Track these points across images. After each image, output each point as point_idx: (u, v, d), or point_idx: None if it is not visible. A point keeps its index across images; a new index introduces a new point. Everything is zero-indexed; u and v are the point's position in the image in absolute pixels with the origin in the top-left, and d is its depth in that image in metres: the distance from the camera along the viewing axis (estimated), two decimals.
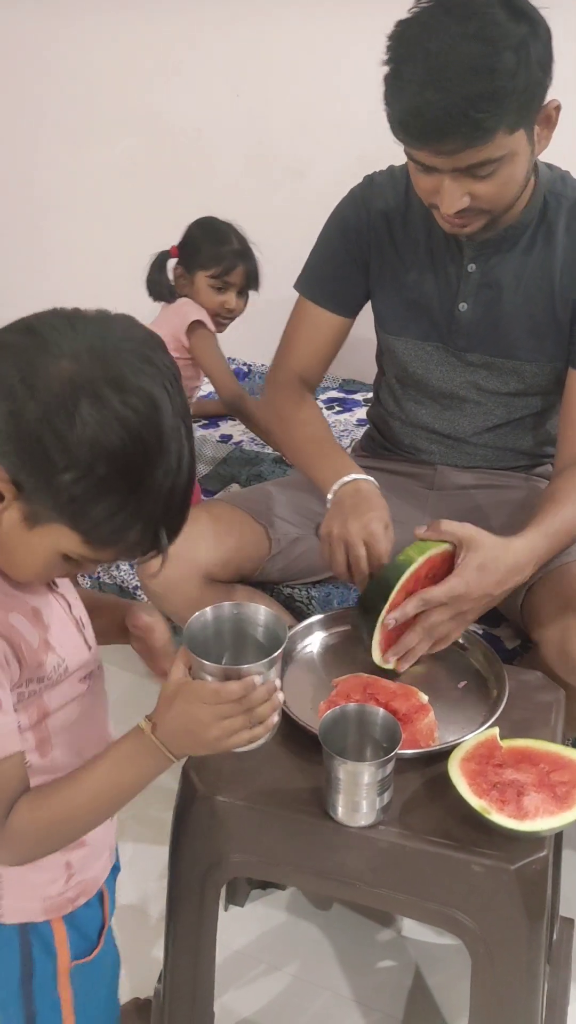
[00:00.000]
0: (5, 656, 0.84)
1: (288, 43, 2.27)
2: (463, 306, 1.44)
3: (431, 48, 1.13)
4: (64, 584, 0.96)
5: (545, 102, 1.22)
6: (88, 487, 0.75)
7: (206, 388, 2.31)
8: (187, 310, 2.10)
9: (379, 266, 1.50)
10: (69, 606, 0.95)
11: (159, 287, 2.16)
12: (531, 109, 1.19)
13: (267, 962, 1.50)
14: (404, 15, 1.19)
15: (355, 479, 1.38)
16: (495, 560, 1.24)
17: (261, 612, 0.95)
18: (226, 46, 2.39)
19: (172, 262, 2.17)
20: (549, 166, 1.41)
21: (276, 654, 0.88)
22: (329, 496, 1.39)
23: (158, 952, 1.29)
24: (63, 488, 0.75)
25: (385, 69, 1.19)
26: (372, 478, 1.39)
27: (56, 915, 0.98)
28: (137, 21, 2.47)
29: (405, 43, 1.17)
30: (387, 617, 1.21)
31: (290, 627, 1.33)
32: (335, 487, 1.38)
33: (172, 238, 2.67)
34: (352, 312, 1.57)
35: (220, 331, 2.18)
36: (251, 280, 2.10)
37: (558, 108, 1.24)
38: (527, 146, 1.24)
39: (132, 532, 0.79)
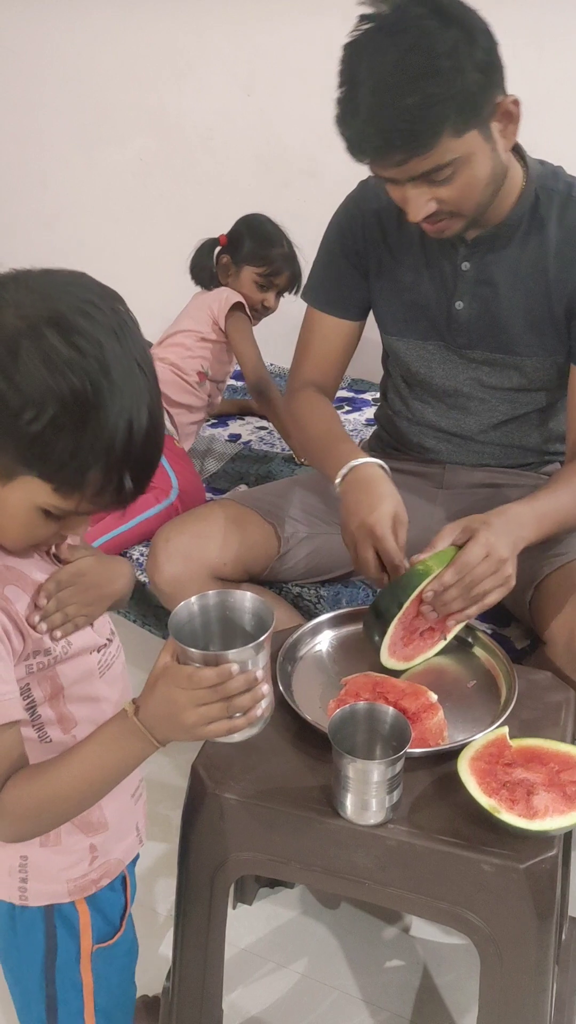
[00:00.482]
0: (4, 628, 0.85)
1: (299, 43, 2.27)
2: (459, 304, 1.44)
3: (367, 69, 1.17)
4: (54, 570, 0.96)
5: (499, 99, 1.23)
6: (42, 428, 0.76)
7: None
8: (228, 295, 2.16)
9: (376, 269, 1.50)
10: None
11: (202, 272, 2.24)
12: (477, 110, 1.20)
13: (275, 960, 1.50)
14: None
15: (357, 465, 1.37)
16: (493, 518, 1.25)
17: (247, 599, 0.93)
18: (237, 46, 2.39)
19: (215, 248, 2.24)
20: (541, 162, 1.41)
21: (259, 640, 0.85)
22: (336, 490, 1.39)
23: (167, 950, 1.30)
24: (20, 432, 0.77)
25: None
26: (376, 460, 1.38)
27: (80, 896, 0.99)
28: (148, 22, 2.47)
29: (347, 66, 1.20)
30: (426, 591, 1.21)
31: (299, 626, 1.33)
32: (338, 479, 1.38)
33: (183, 238, 2.68)
34: (359, 315, 1.57)
35: (254, 323, 2.22)
36: (294, 284, 2.18)
37: (516, 103, 1.25)
38: (485, 145, 1.24)
39: (93, 474, 0.79)
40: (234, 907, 1.57)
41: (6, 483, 0.81)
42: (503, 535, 1.23)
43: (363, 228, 1.49)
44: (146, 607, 1.88)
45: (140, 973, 1.14)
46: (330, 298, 1.57)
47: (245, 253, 2.16)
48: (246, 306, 2.15)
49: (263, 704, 0.87)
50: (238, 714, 0.85)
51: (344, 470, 1.38)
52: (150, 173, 2.65)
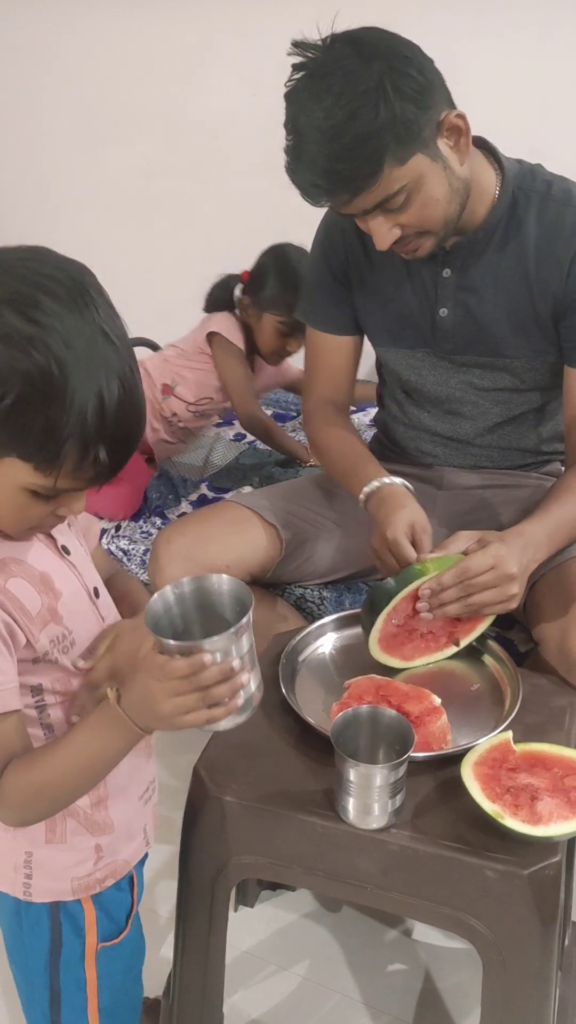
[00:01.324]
0: (5, 624, 0.85)
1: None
2: (443, 311, 1.44)
3: (304, 117, 1.19)
4: (77, 553, 0.96)
5: (440, 117, 1.24)
6: (11, 406, 0.76)
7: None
8: (218, 321, 2.13)
9: (359, 281, 1.51)
10: (80, 575, 0.96)
11: (216, 304, 2.19)
12: (415, 135, 1.21)
13: (277, 963, 1.50)
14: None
15: (377, 487, 1.39)
16: (510, 537, 1.25)
17: (224, 582, 0.90)
18: (242, 46, 2.39)
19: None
20: (519, 161, 1.40)
21: (234, 629, 0.82)
22: (361, 508, 1.41)
23: (168, 952, 1.29)
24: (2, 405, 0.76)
25: None
26: (395, 479, 1.40)
27: (85, 895, 1.00)
28: (154, 22, 2.47)
29: (288, 116, 1.23)
30: (423, 588, 1.22)
31: (302, 628, 1.33)
32: (361, 502, 1.41)
33: (188, 237, 2.68)
34: (356, 330, 1.57)
35: (274, 364, 2.21)
36: None
37: (461, 116, 1.26)
38: (434, 164, 1.25)
39: (69, 449, 0.78)
40: (235, 909, 1.56)
41: None
42: (516, 554, 1.23)
43: (344, 244, 1.49)
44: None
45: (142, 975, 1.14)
46: (326, 317, 1.57)
47: (268, 297, 2.08)
48: (231, 336, 2.10)
49: (243, 694, 0.85)
50: (219, 703, 0.84)
51: (367, 489, 1.40)
52: (155, 173, 2.65)
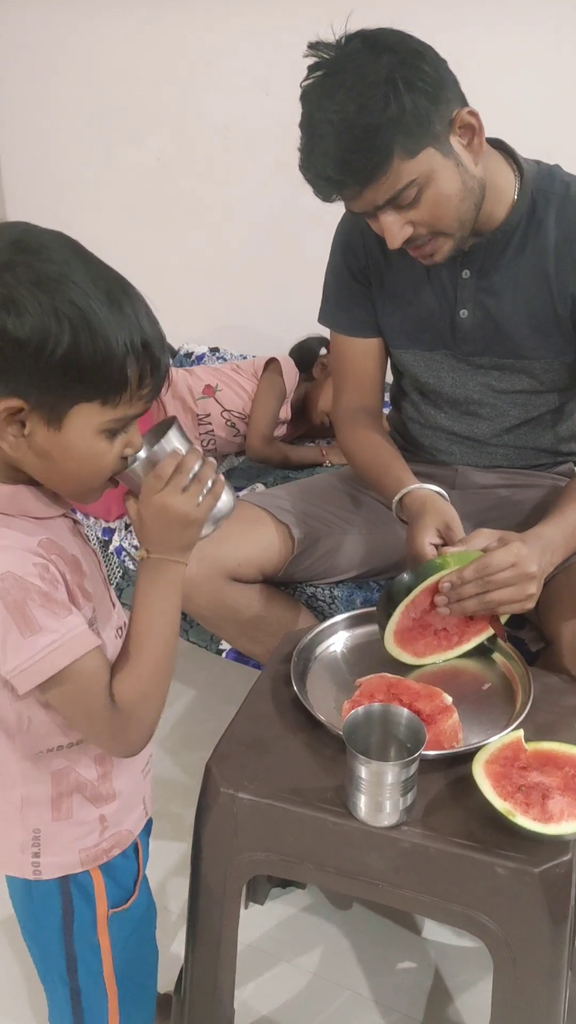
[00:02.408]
0: (56, 578, 0.88)
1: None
2: (463, 312, 1.44)
3: (317, 113, 1.21)
4: (89, 553, 0.99)
5: (453, 114, 1.24)
6: (67, 352, 0.80)
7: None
8: (280, 357, 2.23)
9: (379, 283, 1.51)
10: (98, 560, 1.01)
11: (302, 355, 2.30)
12: (426, 129, 1.21)
13: (287, 960, 1.51)
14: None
15: (406, 494, 1.40)
16: (530, 538, 1.26)
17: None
18: (255, 46, 2.39)
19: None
20: (537, 162, 1.40)
21: (168, 436, 0.93)
22: (396, 514, 1.42)
23: (178, 948, 1.30)
24: (50, 365, 0.80)
25: None
26: (427, 486, 1.40)
27: (93, 865, 1.02)
28: (166, 21, 2.47)
29: (303, 116, 1.24)
30: (443, 582, 1.23)
31: (313, 627, 1.33)
32: (394, 506, 1.42)
33: (200, 237, 2.68)
34: (379, 332, 1.57)
35: (318, 423, 2.28)
36: None
37: (473, 113, 1.26)
38: (445, 161, 1.25)
39: (130, 369, 0.83)
40: (246, 907, 1.57)
41: (60, 426, 0.84)
42: (536, 555, 1.23)
43: (363, 246, 1.49)
44: None
45: None
46: (350, 320, 1.57)
47: None
48: (289, 375, 2.21)
49: (216, 478, 0.95)
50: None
51: (397, 499, 1.41)
52: (168, 172, 2.65)
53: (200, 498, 0.92)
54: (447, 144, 1.25)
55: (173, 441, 0.93)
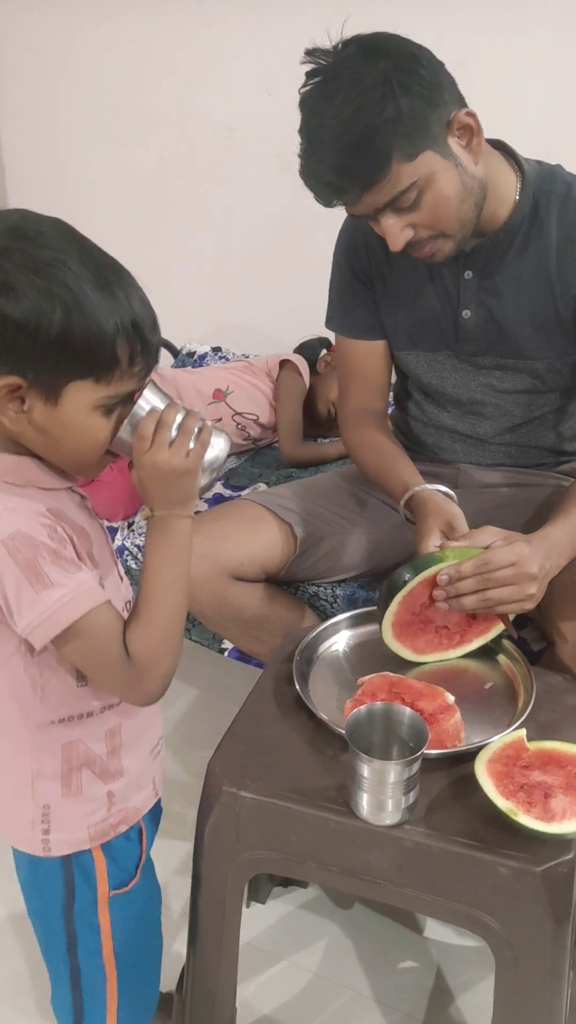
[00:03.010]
0: (62, 537, 0.90)
1: (319, 41, 2.27)
2: (466, 313, 1.44)
3: (315, 119, 1.22)
4: (97, 526, 1.01)
5: (451, 116, 1.24)
6: (60, 333, 0.83)
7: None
8: (293, 356, 2.24)
9: (382, 284, 1.51)
10: (107, 538, 1.03)
11: (304, 355, 2.30)
12: (424, 132, 1.22)
13: (289, 959, 1.51)
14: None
15: (411, 496, 1.40)
16: (535, 539, 1.26)
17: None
18: (258, 46, 2.39)
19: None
20: (539, 162, 1.40)
21: (144, 395, 0.94)
22: (403, 515, 1.43)
23: (180, 947, 1.30)
24: (45, 344, 0.83)
25: None
26: (431, 487, 1.40)
27: (100, 841, 1.04)
28: (170, 21, 2.48)
29: (302, 123, 1.25)
30: (441, 574, 1.23)
31: (316, 626, 1.33)
32: (402, 513, 1.42)
33: (204, 236, 2.68)
34: (384, 333, 1.57)
35: (321, 416, 2.28)
36: None
37: (471, 114, 1.26)
38: (445, 163, 1.25)
39: (121, 347, 0.86)
40: (248, 906, 1.57)
41: (57, 402, 0.87)
42: (539, 557, 1.23)
43: (366, 248, 1.49)
44: None
45: None
46: (354, 322, 1.57)
47: None
48: (303, 373, 2.21)
49: (202, 425, 0.96)
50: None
51: (403, 501, 1.41)
52: (171, 172, 2.66)
53: (188, 448, 0.94)
54: (446, 146, 1.25)
55: (150, 399, 0.94)
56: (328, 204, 1.29)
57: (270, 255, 2.57)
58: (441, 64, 1.25)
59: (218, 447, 0.98)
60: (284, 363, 2.24)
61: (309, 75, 1.24)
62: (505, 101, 2.05)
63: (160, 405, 0.95)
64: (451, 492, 1.40)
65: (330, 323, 1.62)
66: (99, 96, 2.68)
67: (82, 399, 0.88)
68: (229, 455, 2.30)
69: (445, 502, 1.36)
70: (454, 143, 1.26)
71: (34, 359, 0.84)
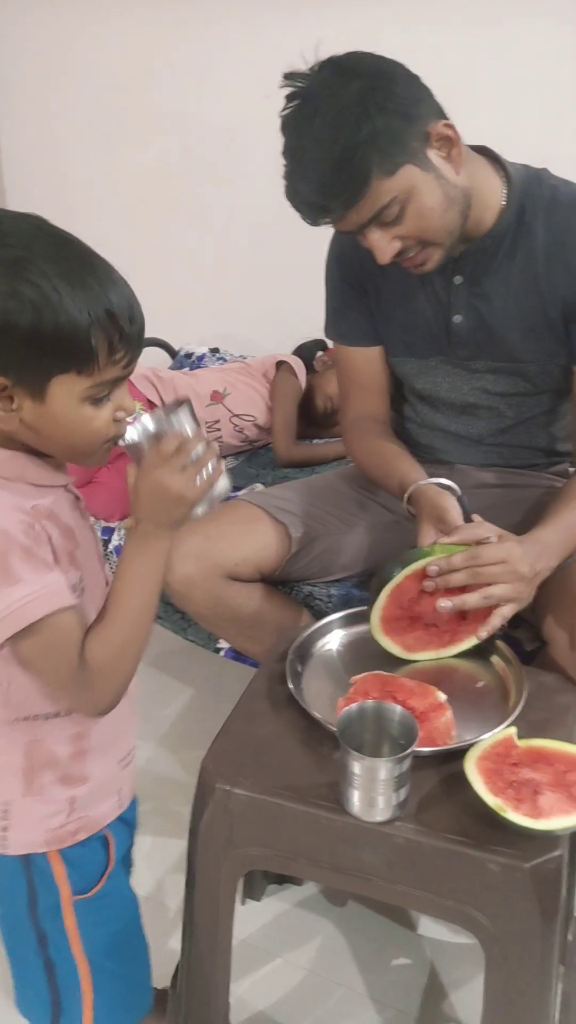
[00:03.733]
0: (39, 535, 0.91)
1: (316, 44, 2.28)
2: (457, 318, 1.45)
3: (296, 141, 1.25)
4: (86, 528, 1.02)
5: (428, 128, 1.26)
6: (31, 330, 0.84)
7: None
8: (290, 357, 2.26)
9: (375, 292, 1.52)
10: (96, 541, 1.04)
11: (302, 353, 2.33)
12: (401, 147, 1.24)
13: (282, 956, 1.52)
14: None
15: (410, 495, 1.41)
16: (528, 541, 1.28)
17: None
18: (256, 49, 2.40)
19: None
20: (525, 167, 1.41)
21: (178, 409, 0.96)
22: (406, 512, 1.44)
23: (175, 944, 1.31)
24: (18, 341, 0.84)
25: None
26: (429, 480, 1.41)
27: (57, 847, 1.04)
28: (168, 24, 2.49)
29: (284, 145, 1.28)
30: (431, 565, 1.24)
31: (309, 625, 1.34)
32: (406, 509, 1.43)
33: (202, 239, 2.69)
34: (379, 340, 1.58)
35: (320, 411, 2.29)
36: None
37: (449, 125, 1.28)
38: (425, 175, 1.27)
39: (98, 338, 0.86)
40: (242, 903, 1.58)
41: (43, 399, 0.88)
42: (530, 558, 1.25)
43: (357, 257, 1.50)
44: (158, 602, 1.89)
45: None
46: (351, 330, 1.58)
47: None
48: (299, 374, 2.23)
49: (216, 464, 0.98)
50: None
51: (405, 501, 1.42)
52: (169, 175, 2.67)
53: (197, 480, 0.95)
54: (425, 158, 1.27)
55: (182, 420, 0.96)
56: (315, 223, 1.32)
57: (269, 256, 2.58)
58: (416, 77, 1.27)
59: (221, 487, 1.00)
60: (280, 364, 2.25)
61: (288, 98, 1.27)
62: (500, 105, 2.06)
63: (189, 430, 0.96)
64: (450, 483, 1.41)
65: (328, 332, 1.64)
66: (98, 97, 2.69)
67: (68, 392, 0.88)
68: (228, 455, 2.32)
69: (439, 495, 1.37)
70: (433, 155, 1.28)
71: (12, 358, 0.85)
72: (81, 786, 1.04)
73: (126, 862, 1.18)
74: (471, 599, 1.23)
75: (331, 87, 1.22)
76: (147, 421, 0.96)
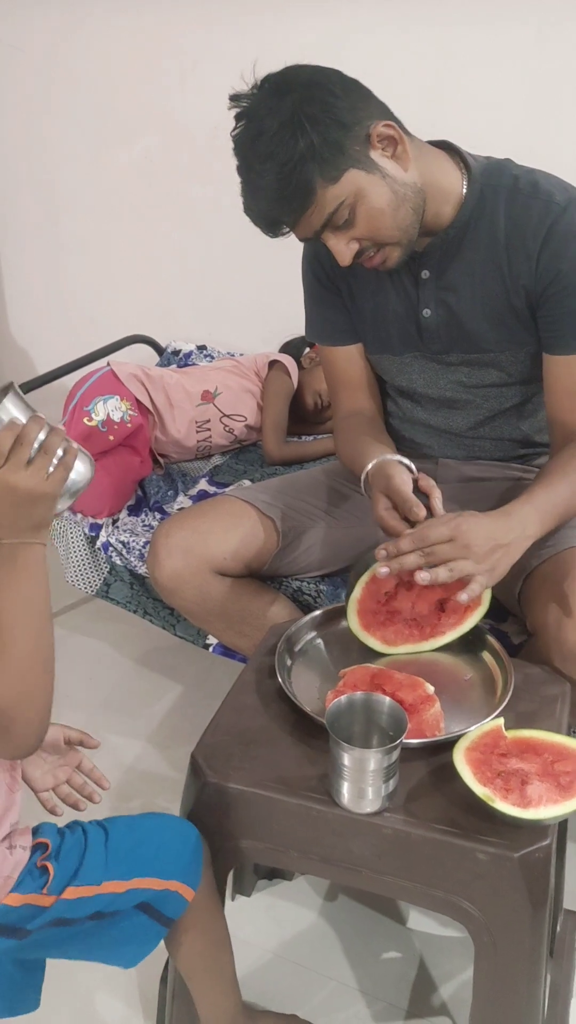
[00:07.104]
0: None
1: (302, 42, 2.28)
2: (426, 312, 1.46)
3: (243, 163, 1.30)
4: None
5: (367, 131, 1.27)
6: None
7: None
8: (282, 356, 2.26)
9: (348, 291, 1.53)
10: None
11: (290, 350, 2.33)
12: (340, 153, 1.25)
13: (273, 951, 1.52)
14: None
15: (370, 467, 1.42)
16: (487, 516, 1.28)
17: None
18: (242, 45, 2.40)
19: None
20: (488, 158, 1.42)
21: (3, 405, 0.87)
22: (364, 491, 1.45)
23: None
24: None
25: None
26: (386, 457, 1.42)
27: None
28: (154, 22, 2.49)
29: (237, 166, 1.31)
30: (379, 549, 1.25)
31: (298, 619, 1.35)
32: (363, 490, 1.44)
33: (189, 237, 2.69)
34: (359, 338, 1.59)
35: (309, 408, 2.30)
36: None
37: (389, 124, 1.29)
38: (370, 176, 1.28)
39: None
40: (232, 899, 1.58)
41: None
42: (486, 531, 1.25)
43: (328, 257, 1.50)
44: (147, 599, 1.90)
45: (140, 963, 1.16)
46: (329, 330, 1.59)
47: None
48: (292, 373, 2.23)
49: (67, 446, 0.89)
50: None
51: (363, 476, 1.43)
52: (156, 172, 2.67)
53: (49, 470, 0.86)
54: (368, 160, 1.28)
55: (10, 410, 0.86)
56: (274, 235, 1.34)
57: (256, 253, 2.57)
58: (354, 82, 1.29)
59: (81, 471, 0.90)
60: (273, 363, 2.25)
61: (236, 118, 1.30)
62: (486, 100, 2.07)
63: (21, 418, 0.86)
64: (406, 460, 1.41)
65: (308, 333, 1.65)
66: (83, 96, 2.68)
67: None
68: (216, 454, 2.31)
69: (388, 464, 1.38)
70: (377, 155, 1.29)
71: None
72: None
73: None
74: (441, 572, 1.23)
75: (268, 105, 1.25)
76: None
